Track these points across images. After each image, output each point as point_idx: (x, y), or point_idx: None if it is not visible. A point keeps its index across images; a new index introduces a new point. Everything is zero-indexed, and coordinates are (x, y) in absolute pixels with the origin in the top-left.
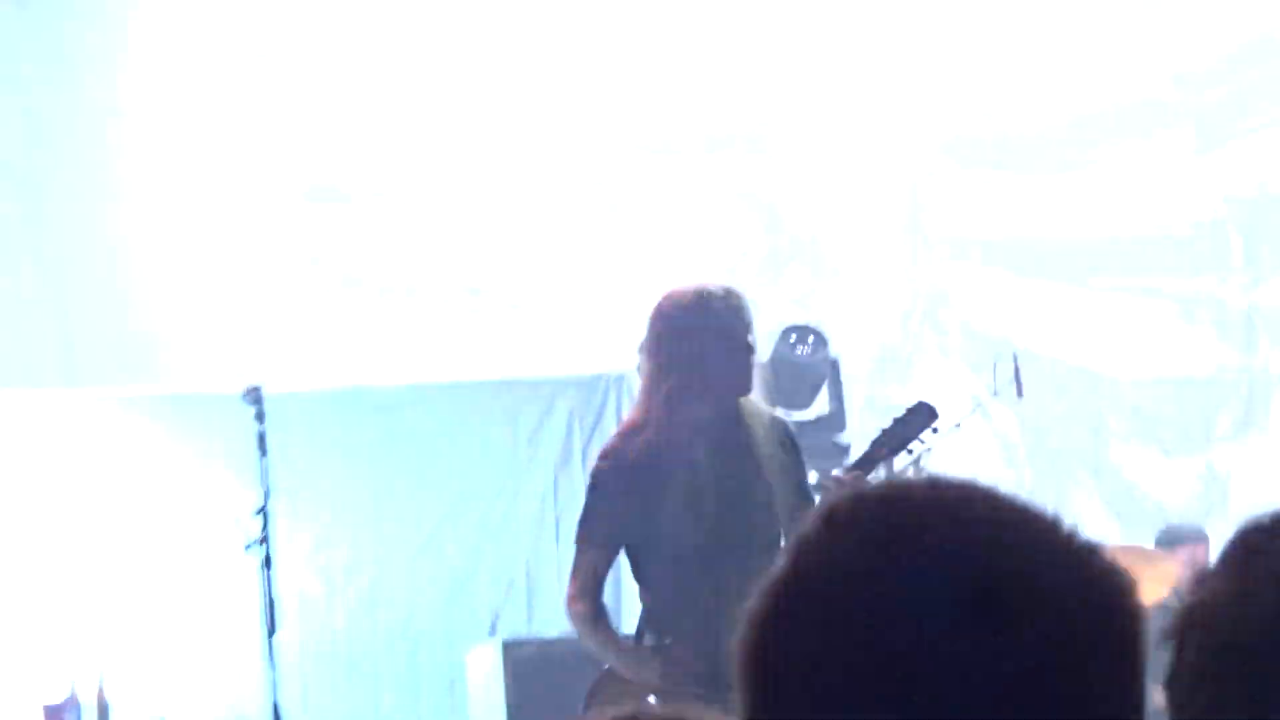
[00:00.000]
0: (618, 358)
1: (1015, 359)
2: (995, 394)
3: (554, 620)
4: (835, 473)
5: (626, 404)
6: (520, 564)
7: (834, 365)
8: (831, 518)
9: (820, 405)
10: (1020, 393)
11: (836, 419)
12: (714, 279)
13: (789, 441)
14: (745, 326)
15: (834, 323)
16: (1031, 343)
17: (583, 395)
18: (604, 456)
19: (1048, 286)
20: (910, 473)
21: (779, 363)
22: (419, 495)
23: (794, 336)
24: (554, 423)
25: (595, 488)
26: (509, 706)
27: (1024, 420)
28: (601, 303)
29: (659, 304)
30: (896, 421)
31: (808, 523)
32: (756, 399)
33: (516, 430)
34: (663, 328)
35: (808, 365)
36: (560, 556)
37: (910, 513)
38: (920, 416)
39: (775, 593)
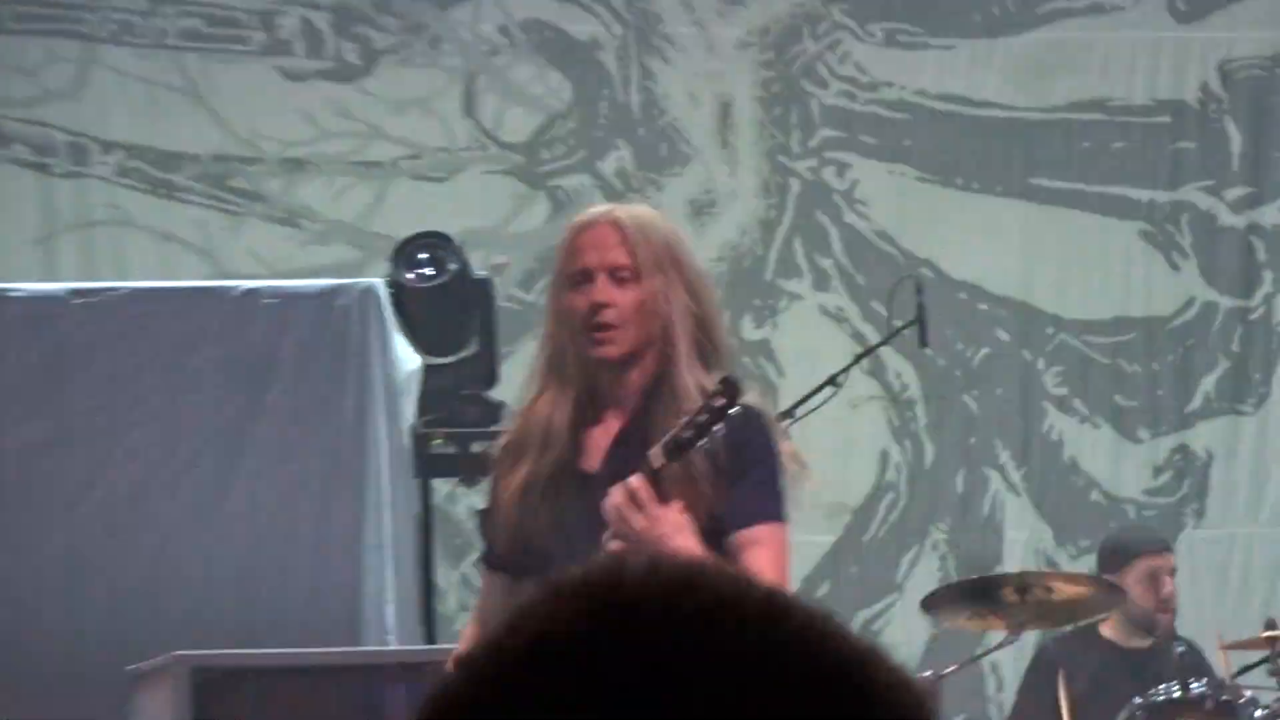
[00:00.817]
0: (370, 265)
1: (919, 289)
2: (890, 337)
3: (263, 630)
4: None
5: (375, 323)
6: (225, 547)
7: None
8: (556, 592)
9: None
10: (924, 338)
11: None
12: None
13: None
14: None
15: (676, 226)
16: (943, 265)
17: (312, 313)
18: None
19: (970, 188)
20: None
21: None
22: (78, 445)
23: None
24: (279, 351)
25: None
26: None
27: (928, 375)
28: (350, 188)
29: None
30: (705, 402)
31: (538, 589)
32: None
33: (225, 362)
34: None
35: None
36: (288, 534)
37: (621, 606)
38: (726, 393)
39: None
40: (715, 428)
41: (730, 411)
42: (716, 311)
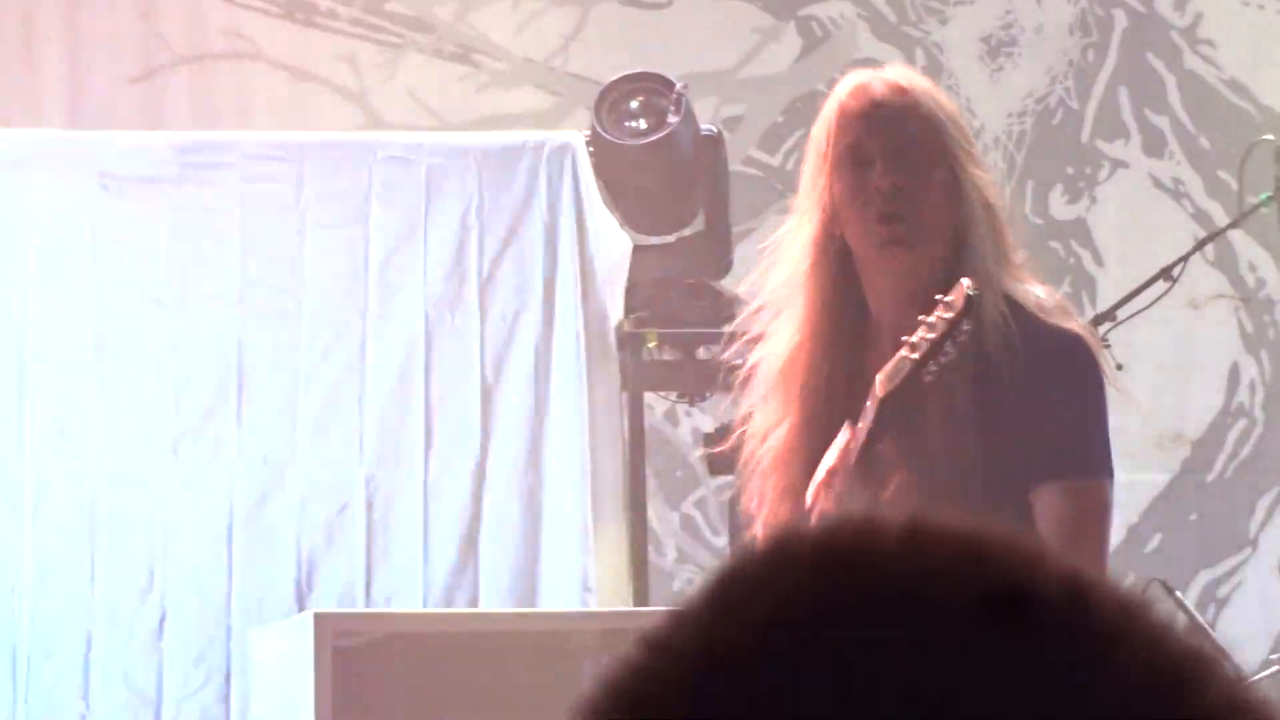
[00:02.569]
0: (566, 115)
1: (1278, 150)
2: (1242, 218)
3: (414, 583)
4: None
5: (569, 192)
6: (356, 475)
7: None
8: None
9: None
10: None
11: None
12: None
13: None
14: None
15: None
16: None
17: (489, 177)
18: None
19: None
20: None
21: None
22: (170, 347)
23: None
24: (445, 225)
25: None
26: None
27: None
28: (542, 15)
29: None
30: (937, 317)
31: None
32: None
33: (374, 238)
34: None
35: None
36: (450, 462)
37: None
38: (958, 308)
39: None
40: (946, 343)
41: (963, 321)
42: (1004, 211)
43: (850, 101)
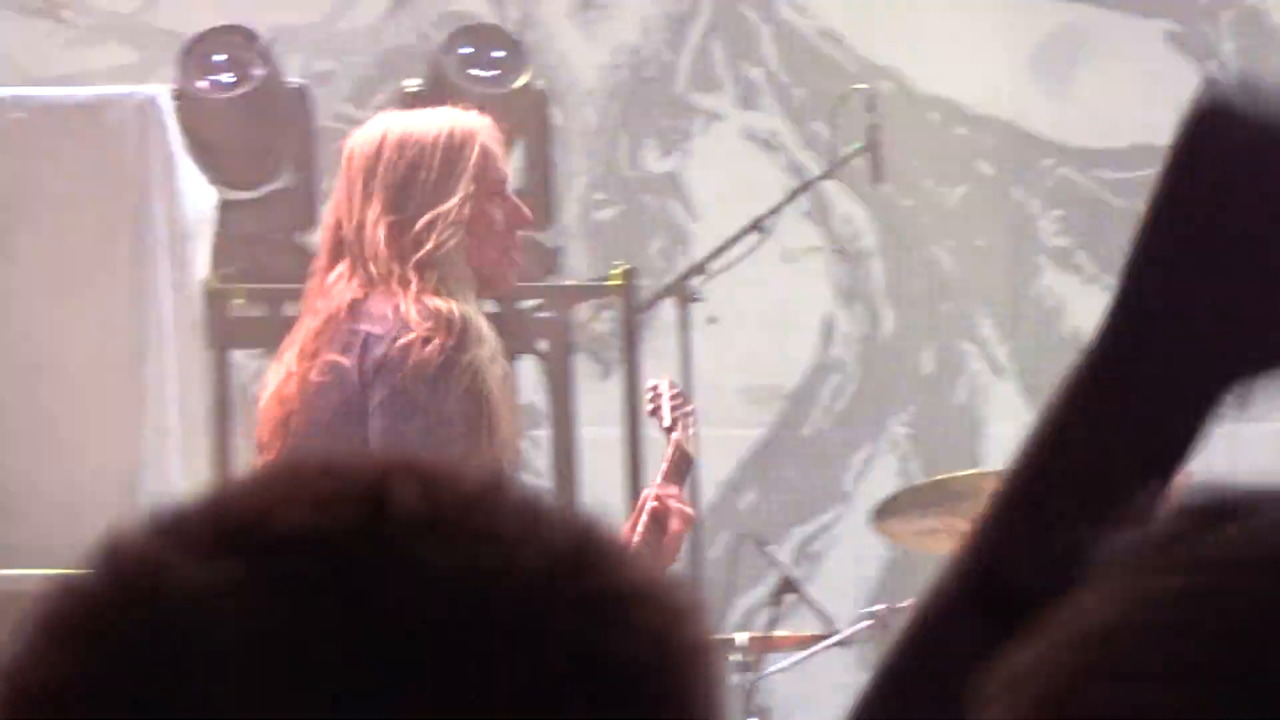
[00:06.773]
0: (152, 70)
1: (872, 105)
2: (834, 169)
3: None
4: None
5: (154, 147)
6: None
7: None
8: None
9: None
10: (880, 170)
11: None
12: None
13: None
14: None
15: None
16: (908, 76)
17: (75, 132)
18: None
19: None
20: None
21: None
22: None
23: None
24: (29, 181)
25: None
26: None
27: (887, 220)
28: None
29: None
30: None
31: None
32: None
33: None
34: None
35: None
36: (40, 418)
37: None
38: None
39: None
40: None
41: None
42: None
43: (496, 140)
